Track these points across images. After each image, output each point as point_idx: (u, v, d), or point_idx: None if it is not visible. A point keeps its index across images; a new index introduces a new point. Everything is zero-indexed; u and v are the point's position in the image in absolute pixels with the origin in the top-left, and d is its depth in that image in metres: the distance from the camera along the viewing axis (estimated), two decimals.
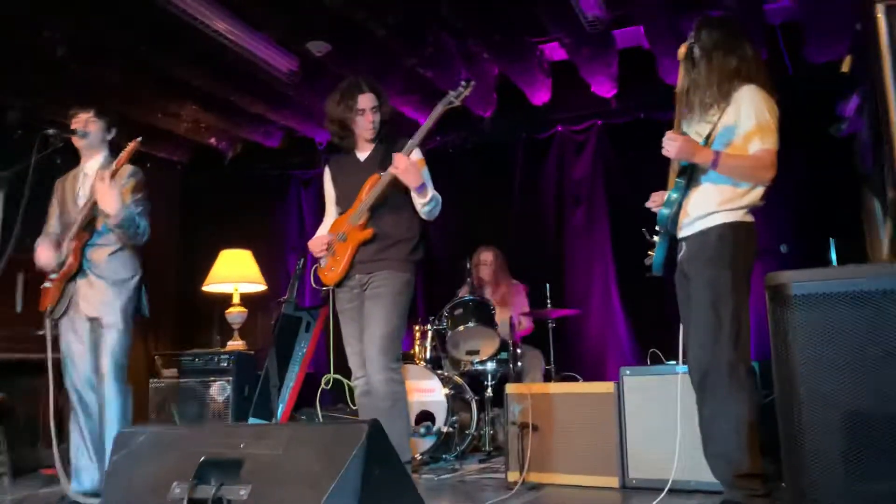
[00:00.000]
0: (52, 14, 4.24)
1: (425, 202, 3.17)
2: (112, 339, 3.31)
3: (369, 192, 3.19)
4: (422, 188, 3.13)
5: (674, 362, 2.98)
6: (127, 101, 5.31)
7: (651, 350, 3.84)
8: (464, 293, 5.03)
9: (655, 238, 2.84)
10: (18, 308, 3.98)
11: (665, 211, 2.74)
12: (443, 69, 5.02)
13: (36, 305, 3.53)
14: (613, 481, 3.45)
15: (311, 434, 1.73)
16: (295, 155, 6.62)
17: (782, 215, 4.72)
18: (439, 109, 3.18)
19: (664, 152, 2.64)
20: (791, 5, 4.70)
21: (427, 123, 3.19)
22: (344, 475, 1.57)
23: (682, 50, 2.75)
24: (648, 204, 2.94)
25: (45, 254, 3.42)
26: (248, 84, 5.30)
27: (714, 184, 2.69)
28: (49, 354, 3.38)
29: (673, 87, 2.88)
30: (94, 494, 3.26)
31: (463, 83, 3.14)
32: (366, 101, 3.28)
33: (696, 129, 2.74)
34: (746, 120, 2.65)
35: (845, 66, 3.48)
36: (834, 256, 3.60)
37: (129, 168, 3.44)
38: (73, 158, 3.64)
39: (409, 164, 3.07)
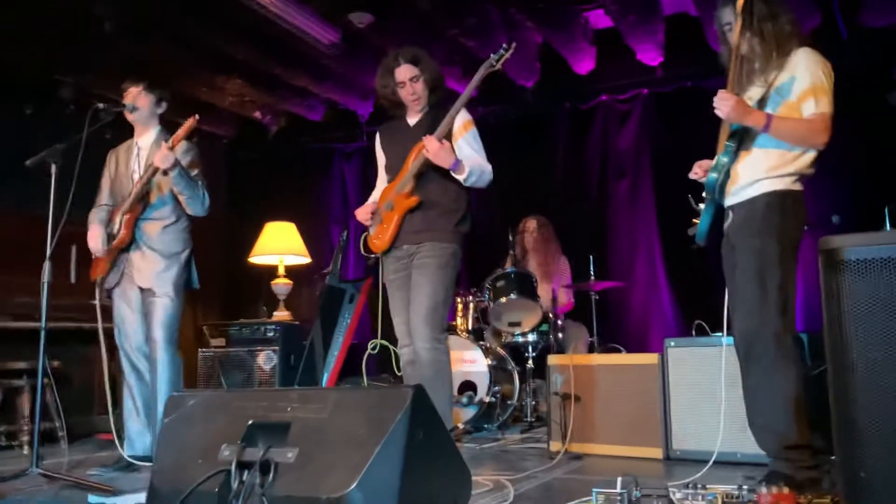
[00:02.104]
0: None
1: (464, 177, 3.16)
2: (163, 308, 3.39)
3: (415, 159, 3.19)
4: (456, 166, 3.12)
5: (719, 333, 2.93)
6: (173, 75, 5.38)
7: (696, 321, 3.79)
8: (507, 265, 5.03)
9: (701, 206, 2.79)
10: (73, 279, 4.10)
11: (714, 175, 2.68)
12: (485, 39, 4.97)
13: (89, 276, 3.63)
14: (657, 452, 3.44)
15: (356, 398, 1.76)
16: (337, 128, 6.65)
17: (835, 186, 4.60)
18: (481, 73, 3.16)
19: (716, 111, 2.58)
20: None
21: (468, 89, 3.17)
22: (389, 438, 1.60)
23: (740, 2, 2.65)
24: (692, 175, 2.89)
25: (93, 239, 3.51)
26: (291, 57, 5.33)
27: (764, 149, 2.62)
28: (100, 324, 3.47)
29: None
30: (146, 458, 3.36)
31: (504, 46, 3.11)
32: (403, 73, 3.28)
33: (749, 94, 2.67)
34: (801, 81, 2.57)
35: None
36: (889, 226, 3.50)
37: (184, 144, 3.49)
38: (123, 132, 3.71)
39: (438, 148, 3.06)
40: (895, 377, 1.50)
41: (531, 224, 5.32)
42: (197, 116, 3.30)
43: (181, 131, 3.28)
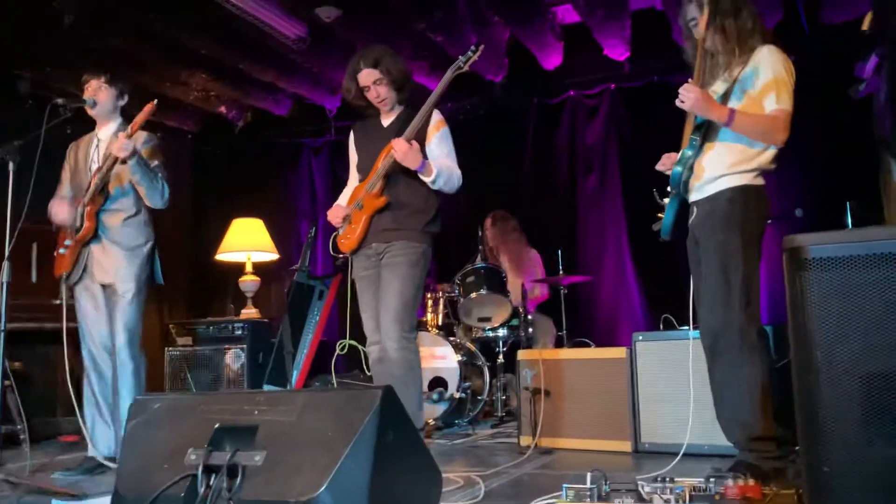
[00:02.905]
0: None
1: (431, 180, 3.15)
2: (126, 306, 3.33)
3: (384, 159, 3.18)
4: (422, 168, 3.11)
5: (686, 327, 2.97)
6: (136, 70, 5.28)
7: (664, 315, 3.83)
8: (476, 260, 5.03)
9: (665, 201, 2.81)
10: (34, 278, 4.02)
11: (678, 169, 2.71)
12: (453, 34, 4.96)
13: (50, 275, 3.55)
14: (626, 445, 3.47)
15: (325, 400, 1.74)
16: (305, 123, 6.59)
17: (798, 179, 4.67)
18: (448, 76, 3.15)
19: (678, 103, 2.60)
20: None
21: (437, 92, 3.16)
22: (358, 440, 1.58)
23: None
24: (659, 167, 2.92)
25: (62, 210, 3.42)
26: (256, 51, 5.26)
27: (727, 143, 2.66)
28: (64, 323, 3.41)
29: None
30: (111, 459, 3.31)
31: (472, 48, 3.11)
32: (364, 77, 3.26)
33: (713, 88, 2.70)
34: (764, 75, 2.61)
35: (866, 24, 3.40)
36: (850, 220, 3.57)
37: (144, 135, 3.44)
38: (84, 127, 3.64)
39: (406, 149, 3.05)
40: (858, 374, 1.53)
41: (488, 220, 5.33)
42: (155, 101, 3.23)
43: (140, 117, 3.21)
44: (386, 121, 3.36)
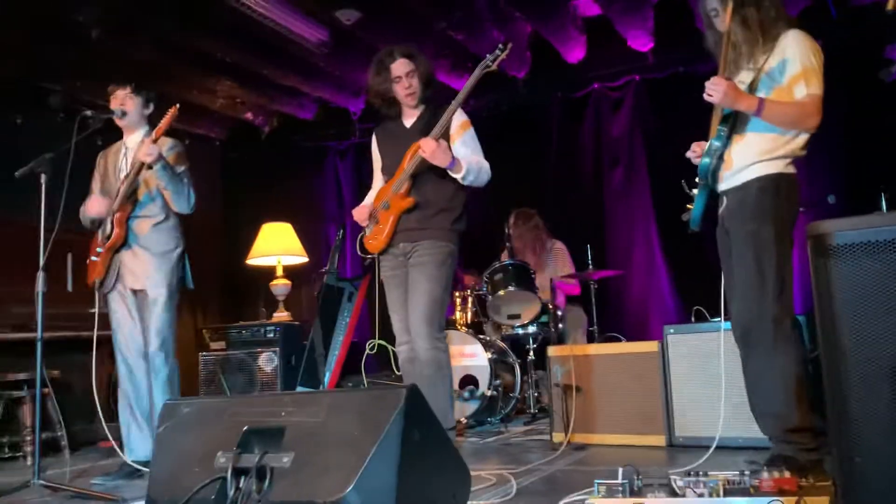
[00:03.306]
0: None
1: (461, 176, 3.15)
2: (158, 312, 3.38)
3: (411, 160, 3.18)
4: (453, 164, 3.10)
5: (718, 319, 2.93)
6: (163, 79, 5.36)
7: (695, 307, 3.78)
8: (504, 257, 5.01)
9: (694, 192, 2.77)
10: (69, 287, 4.09)
11: (706, 160, 2.67)
12: (474, 31, 4.95)
13: (86, 285, 3.61)
14: (660, 440, 3.43)
15: (350, 400, 1.75)
16: (330, 126, 6.63)
17: (829, 165, 4.58)
18: (476, 75, 3.14)
19: (706, 97, 2.57)
20: None
21: (464, 91, 3.15)
22: (384, 439, 1.59)
23: None
24: (689, 154, 2.87)
25: (97, 203, 3.47)
26: (279, 57, 5.31)
27: (757, 132, 2.61)
28: (95, 331, 3.46)
29: None
30: (146, 464, 3.36)
31: (500, 46, 3.09)
32: (399, 67, 3.27)
33: (740, 78, 2.66)
34: (792, 64, 2.56)
35: (891, 4, 3.32)
36: (884, 207, 3.48)
37: (169, 141, 3.49)
38: (113, 138, 3.70)
39: (435, 147, 3.05)
40: (887, 362, 1.49)
41: (510, 219, 5.30)
42: (177, 106, 3.28)
43: (163, 123, 3.26)
44: (408, 121, 3.37)
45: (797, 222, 2.65)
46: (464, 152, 3.20)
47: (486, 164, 3.24)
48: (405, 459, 1.62)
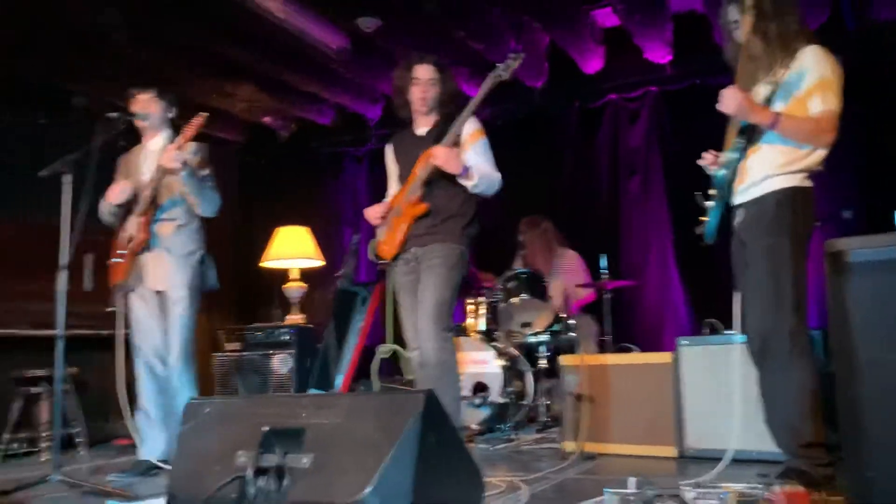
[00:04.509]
0: (108, 1, 4.35)
1: (473, 184, 3.17)
2: (179, 313, 3.43)
3: (423, 167, 3.22)
4: (465, 172, 3.13)
5: (732, 331, 2.94)
6: (184, 83, 5.44)
7: (709, 320, 3.79)
8: (517, 265, 5.03)
9: (709, 204, 2.78)
10: (88, 286, 4.15)
11: (722, 172, 2.68)
12: (492, 41, 4.99)
13: (105, 283, 3.67)
14: (671, 451, 3.44)
15: (369, 403, 1.78)
16: (347, 132, 6.68)
17: (846, 180, 4.58)
18: (488, 83, 3.17)
19: (720, 107, 2.58)
20: None
21: (476, 100, 3.18)
22: (401, 442, 1.62)
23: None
24: (701, 161, 2.87)
25: (117, 187, 3.51)
26: (300, 62, 5.36)
27: (773, 145, 2.62)
28: (119, 330, 3.52)
29: None
30: (161, 462, 3.40)
31: (511, 55, 3.13)
32: (422, 71, 3.30)
33: (758, 91, 2.67)
34: (809, 78, 2.56)
35: None
36: None
37: (192, 145, 3.53)
38: (135, 140, 3.75)
39: (446, 155, 3.08)
40: None
41: (521, 225, 5.31)
42: (206, 114, 3.33)
43: (189, 130, 3.31)
44: (421, 130, 3.40)
45: (812, 236, 2.65)
46: (475, 161, 3.23)
47: (496, 175, 3.27)
48: (422, 463, 1.64)
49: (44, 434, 4.21)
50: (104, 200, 3.57)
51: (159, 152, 3.54)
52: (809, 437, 2.50)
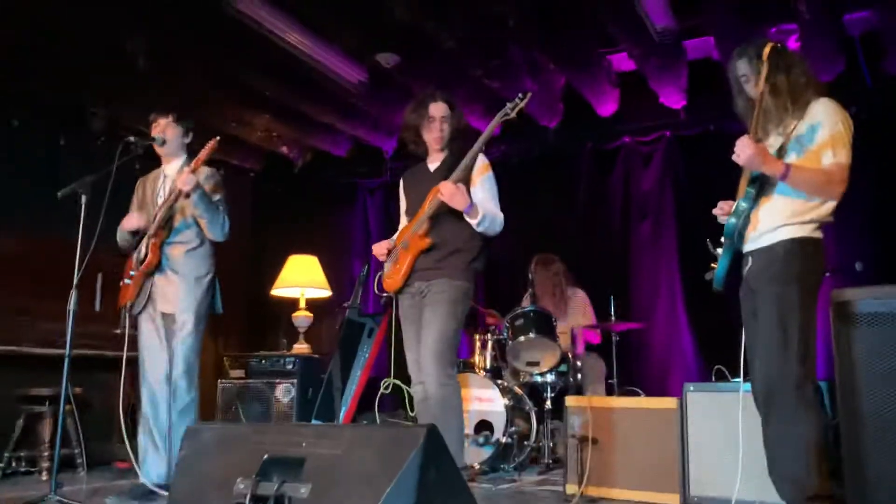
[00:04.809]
0: (133, 25, 4.44)
1: (476, 222, 3.19)
2: (185, 337, 3.44)
3: (431, 202, 3.24)
4: (470, 209, 3.16)
5: (738, 379, 2.91)
6: (203, 109, 5.51)
7: (716, 366, 3.76)
8: (526, 303, 5.02)
9: (719, 251, 2.79)
10: (97, 307, 4.17)
11: (733, 220, 2.69)
12: (509, 80, 5.05)
13: (113, 305, 3.68)
14: (674, 498, 3.38)
15: (370, 435, 1.77)
16: (362, 164, 6.74)
17: (858, 231, 4.57)
18: (496, 121, 3.23)
19: (735, 158, 2.60)
20: (871, 16, 4.56)
21: (483, 137, 3.24)
22: (401, 477, 1.60)
23: (766, 49, 2.68)
24: (716, 211, 2.90)
25: (134, 217, 3.57)
26: (318, 94, 5.44)
27: (784, 196, 2.63)
28: (125, 351, 3.52)
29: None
30: (160, 487, 3.37)
31: (520, 95, 3.18)
32: (437, 109, 3.36)
33: (769, 142, 2.70)
34: (821, 131, 2.59)
35: None
36: None
37: (206, 170, 3.58)
38: (151, 163, 3.81)
39: (453, 191, 3.12)
40: None
41: (532, 264, 5.30)
42: (218, 138, 3.39)
43: (203, 153, 3.37)
44: (432, 165, 3.45)
45: (822, 287, 2.65)
46: (481, 197, 3.26)
47: (500, 216, 3.30)
48: (421, 498, 1.63)
49: (45, 454, 4.20)
50: (120, 228, 3.61)
51: (175, 176, 3.58)
52: (814, 490, 2.47)
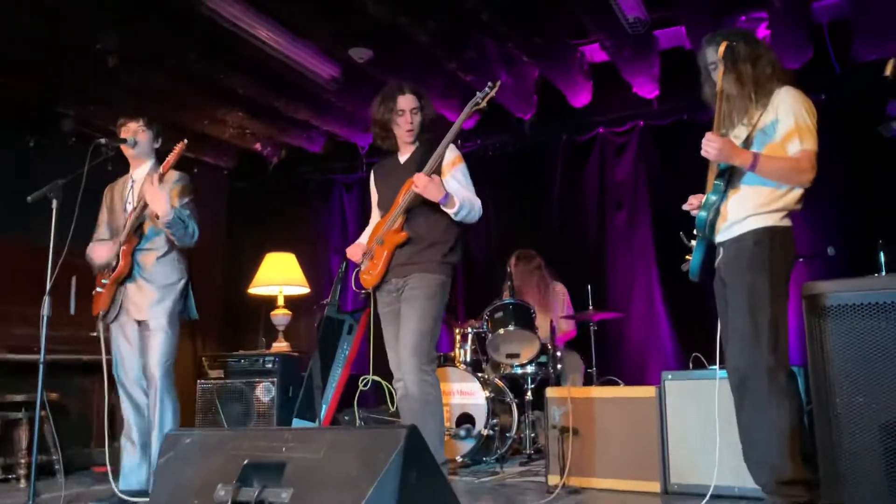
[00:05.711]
0: (104, 24, 4.38)
1: (454, 211, 3.19)
2: (159, 342, 3.40)
3: (404, 195, 3.23)
4: (446, 199, 3.15)
5: (715, 367, 2.95)
6: (176, 108, 5.46)
7: (694, 354, 3.80)
8: (505, 296, 5.04)
9: (692, 242, 2.82)
10: (72, 311, 4.11)
11: (703, 214, 2.72)
12: (483, 73, 5.04)
13: (89, 308, 3.64)
14: (654, 486, 3.43)
15: (351, 438, 1.77)
16: (337, 160, 6.71)
17: (829, 217, 4.63)
18: (466, 111, 3.22)
19: (703, 154, 2.64)
20: (839, 3, 4.61)
21: (454, 127, 3.22)
22: (382, 479, 1.61)
23: (721, 48, 2.72)
24: (686, 206, 2.94)
25: (102, 249, 3.52)
26: (291, 91, 5.40)
27: (752, 186, 2.67)
28: (103, 356, 3.49)
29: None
30: (140, 493, 3.35)
31: (489, 84, 3.17)
32: (405, 102, 3.34)
33: (735, 133, 2.73)
34: (785, 120, 2.63)
35: (888, 70, 3.41)
36: (883, 263, 3.52)
37: (175, 173, 3.54)
38: (123, 166, 3.75)
39: (427, 182, 3.11)
40: (878, 421, 1.52)
41: (512, 259, 5.32)
42: (185, 141, 3.35)
43: (171, 158, 3.33)
44: (403, 157, 3.43)
45: (795, 273, 2.68)
46: (455, 187, 3.25)
47: (477, 202, 3.29)
48: (402, 500, 1.63)
49: (22, 461, 4.15)
50: (90, 254, 3.56)
51: (142, 181, 3.54)
52: (788, 475, 2.51)
